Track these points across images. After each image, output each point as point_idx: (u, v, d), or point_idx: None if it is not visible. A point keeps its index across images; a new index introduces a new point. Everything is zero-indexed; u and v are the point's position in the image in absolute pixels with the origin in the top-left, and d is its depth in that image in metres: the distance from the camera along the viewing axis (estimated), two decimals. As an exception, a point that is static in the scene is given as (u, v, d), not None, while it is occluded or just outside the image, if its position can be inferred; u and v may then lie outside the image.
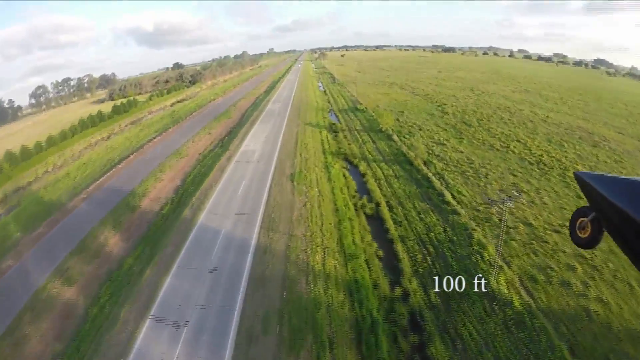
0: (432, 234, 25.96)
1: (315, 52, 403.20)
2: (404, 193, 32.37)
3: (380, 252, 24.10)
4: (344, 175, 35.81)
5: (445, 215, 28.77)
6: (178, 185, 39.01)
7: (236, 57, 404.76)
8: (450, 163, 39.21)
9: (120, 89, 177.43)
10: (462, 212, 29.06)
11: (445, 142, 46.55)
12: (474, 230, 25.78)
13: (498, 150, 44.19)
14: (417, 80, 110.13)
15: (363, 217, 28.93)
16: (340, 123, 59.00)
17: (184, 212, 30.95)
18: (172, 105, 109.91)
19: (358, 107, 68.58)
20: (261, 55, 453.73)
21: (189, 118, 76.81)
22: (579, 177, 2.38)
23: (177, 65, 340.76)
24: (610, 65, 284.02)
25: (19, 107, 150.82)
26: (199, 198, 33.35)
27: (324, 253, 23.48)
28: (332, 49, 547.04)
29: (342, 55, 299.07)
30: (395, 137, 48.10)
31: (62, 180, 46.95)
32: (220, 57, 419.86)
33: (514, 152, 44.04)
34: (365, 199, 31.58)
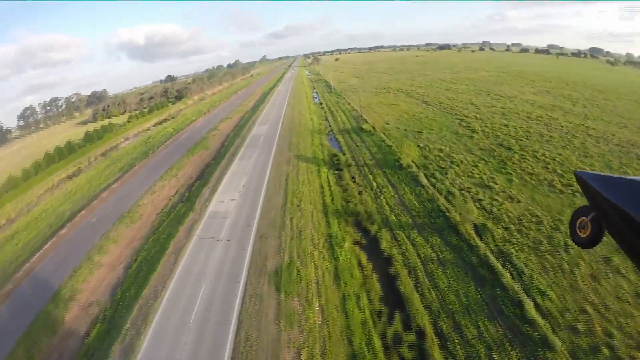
0: None
1: (309, 57, 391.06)
2: (459, 302, 19.20)
3: None
4: (360, 264, 22.67)
5: (532, 351, 15.88)
6: (118, 280, 25.94)
7: (229, 66, 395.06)
8: (512, 226, 25.98)
9: (104, 109, 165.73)
10: (557, 342, 16.16)
11: (491, 183, 33.25)
12: None
13: (561, 192, 30.86)
14: (424, 85, 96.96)
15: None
16: (344, 153, 45.64)
17: (113, 347, 18.14)
18: (150, 128, 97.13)
19: (363, 126, 55.29)
20: (254, 63, 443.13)
21: (161, 149, 63.62)
22: (579, 177, 2.30)
23: (170, 78, 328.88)
24: (607, 53, 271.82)
25: (8, 130, 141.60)
26: (136, 319, 20.36)
27: None
28: (325, 53, 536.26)
29: (337, 60, 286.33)
30: (422, 179, 34.70)
31: (5, 247, 35.10)
32: (213, 67, 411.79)
33: (580, 193, 30.76)
34: (398, 319, 18.59)
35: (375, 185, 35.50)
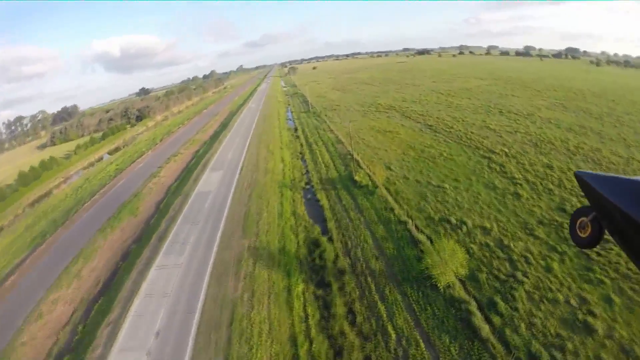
0: None
1: (286, 66, 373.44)
2: None
3: None
4: None
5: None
6: None
7: (205, 77, 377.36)
8: None
9: (61, 131, 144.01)
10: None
11: (589, 319, 16.82)
12: None
13: None
14: (418, 100, 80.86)
15: None
16: (331, 237, 27.79)
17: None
18: (94, 164, 77.45)
19: (356, 176, 37.75)
20: (230, 73, 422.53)
21: (86, 206, 44.52)
22: (579, 177, 2.28)
23: (143, 91, 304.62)
24: (585, 53, 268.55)
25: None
26: None
27: None
28: (302, 61, 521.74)
29: (314, 68, 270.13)
30: (479, 322, 17.44)
31: None
32: (188, 78, 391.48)
33: None
34: None
35: (393, 336, 18.01)
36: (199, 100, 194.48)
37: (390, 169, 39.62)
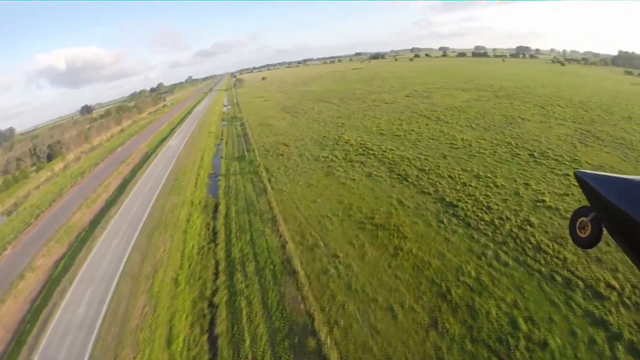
0: None
1: (235, 76, 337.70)
2: None
3: None
4: None
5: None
6: None
7: (152, 90, 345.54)
8: None
9: None
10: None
11: None
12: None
13: None
14: (401, 131, 54.00)
15: None
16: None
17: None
18: None
19: None
20: (176, 85, 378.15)
21: None
22: (579, 177, 2.21)
23: (86, 109, 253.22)
24: (537, 51, 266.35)
25: None
26: None
27: None
28: (254, 69, 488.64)
29: (264, 79, 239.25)
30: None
31: None
32: (135, 92, 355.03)
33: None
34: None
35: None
36: (129, 124, 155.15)
37: None
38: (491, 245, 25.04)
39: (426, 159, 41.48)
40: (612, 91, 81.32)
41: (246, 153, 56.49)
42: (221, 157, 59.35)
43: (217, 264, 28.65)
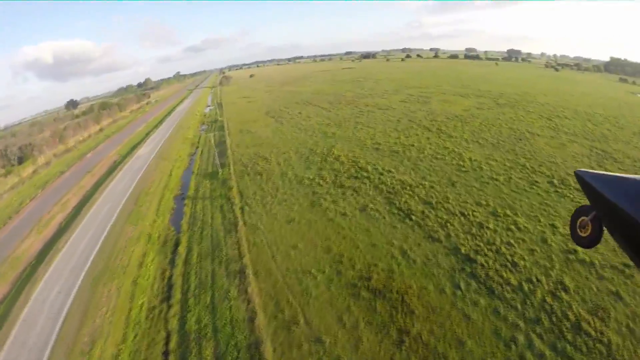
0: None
1: (223, 73, 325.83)
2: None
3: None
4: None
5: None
6: None
7: (139, 85, 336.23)
8: None
9: None
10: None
11: None
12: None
13: None
14: (400, 146, 47.11)
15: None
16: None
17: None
18: None
19: None
20: (165, 80, 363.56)
21: None
22: (579, 176, 2.16)
23: (71, 104, 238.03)
24: (529, 55, 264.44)
25: None
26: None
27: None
28: (243, 66, 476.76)
29: (251, 76, 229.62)
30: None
31: None
32: (123, 86, 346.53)
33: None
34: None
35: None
36: (109, 123, 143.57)
37: None
38: (521, 324, 18.53)
39: (432, 187, 34.76)
40: (613, 100, 76.83)
41: (220, 170, 48.74)
42: (192, 172, 51.46)
43: (168, 337, 21.34)
